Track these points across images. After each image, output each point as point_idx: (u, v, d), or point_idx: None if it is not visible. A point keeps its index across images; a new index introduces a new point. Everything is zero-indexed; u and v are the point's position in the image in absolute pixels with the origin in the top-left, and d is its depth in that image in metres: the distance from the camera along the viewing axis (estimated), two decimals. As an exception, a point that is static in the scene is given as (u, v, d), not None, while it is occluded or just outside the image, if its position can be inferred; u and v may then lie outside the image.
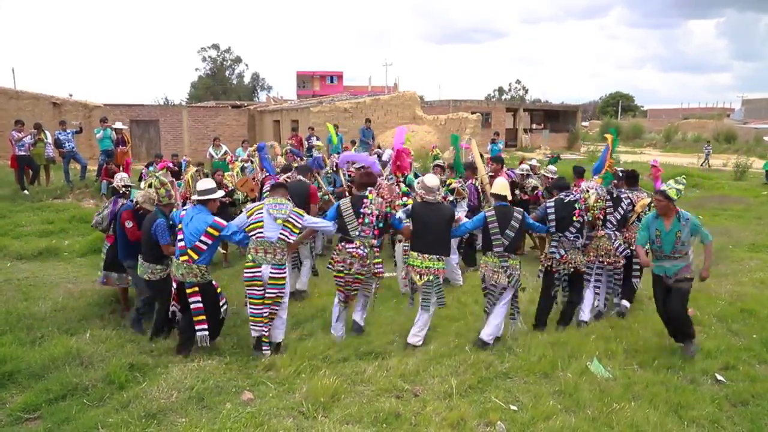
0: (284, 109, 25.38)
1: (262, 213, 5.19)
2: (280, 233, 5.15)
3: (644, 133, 44.52)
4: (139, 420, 3.99)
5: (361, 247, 5.43)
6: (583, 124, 47.85)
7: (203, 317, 5.15)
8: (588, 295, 6.21)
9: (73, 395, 4.40)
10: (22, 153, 13.18)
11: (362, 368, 4.91)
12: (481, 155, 9.04)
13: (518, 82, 78.97)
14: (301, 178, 7.28)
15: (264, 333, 5.23)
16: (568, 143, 34.04)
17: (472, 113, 23.51)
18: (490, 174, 8.38)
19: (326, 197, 8.27)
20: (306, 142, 16.31)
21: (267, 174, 8.45)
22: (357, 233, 5.46)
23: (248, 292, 5.23)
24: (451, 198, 7.47)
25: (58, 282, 7.52)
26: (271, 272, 5.14)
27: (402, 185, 7.37)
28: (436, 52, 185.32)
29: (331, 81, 51.15)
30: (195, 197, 5.34)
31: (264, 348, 5.24)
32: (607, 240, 6.19)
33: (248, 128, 26.90)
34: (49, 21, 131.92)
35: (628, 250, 6.36)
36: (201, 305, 5.15)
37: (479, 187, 8.05)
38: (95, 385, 4.53)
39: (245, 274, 5.21)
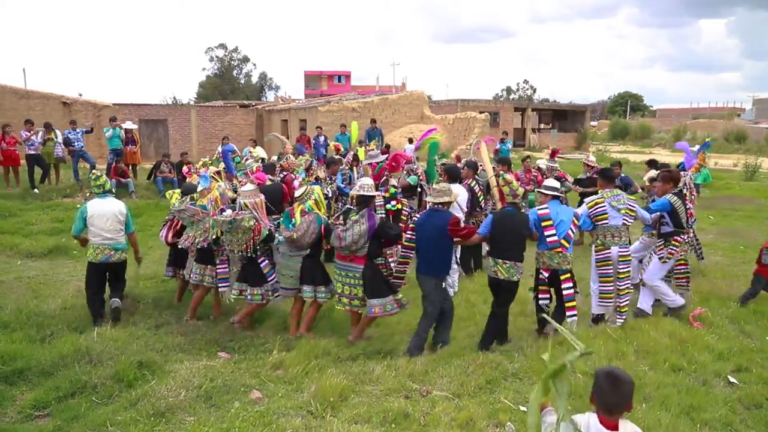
0: (292, 109, 25.43)
1: (605, 206, 5.96)
2: (623, 219, 5.98)
3: (653, 133, 44.23)
4: (147, 418, 3.98)
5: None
6: (592, 123, 47.65)
7: (574, 303, 5.69)
8: None
9: (82, 393, 4.40)
10: (32, 152, 13.29)
11: (371, 368, 4.89)
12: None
13: (526, 81, 78.78)
14: (270, 178, 7.56)
15: (610, 308, 6.08)
16: (576, 143, 33.90)
17: (480, 113, 23.44)
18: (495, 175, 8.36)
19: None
20: (314, 141, 16.32)
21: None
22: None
23: (601, 271, 6.02)
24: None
25: (68, 280, 7.56)
26: (619, 252, 5.95)
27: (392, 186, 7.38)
28: (444, 52, 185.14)
29: (339, 80, 51.12)
30: (553, 192, 5.82)
31: (618, 319, 5.94)
32: None
33: (256, 128, 26.95)
34: (59, 22, 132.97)
35: None
36: (572, 291, 5.69)
37: (476, 188, 7.96)
38: (104, 382, 4.53)
39: (597, 256, 6.02)
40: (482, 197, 7.76)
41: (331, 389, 4.33)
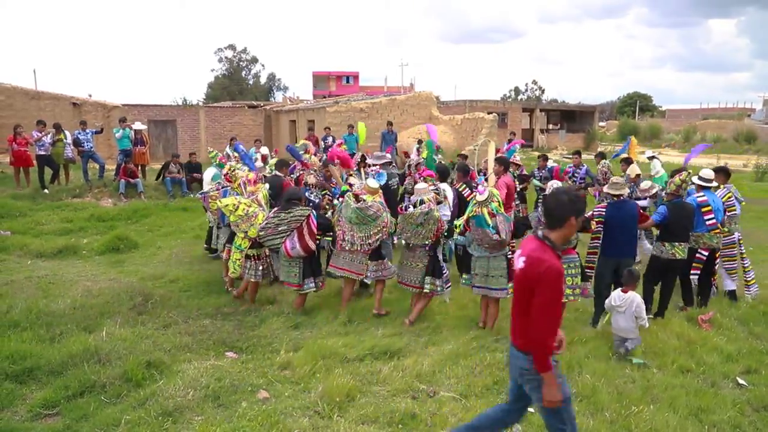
0: (300, 109, 25.46)
1: (733, 198, 7.04)
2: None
3: (662, 134, 43.93)
4: (155, 418, 4.01)
5: None
6: (601, 124, 47.38)
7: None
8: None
9: (90, 392, 4.43)
10: (42, 153, 13.40)
11: (378, 368, 4.89)
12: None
13: (534, 82, 78.48)
14: (277, 172, 8.14)
15: (737, 283, 7.08)
16: (585, 143, 33.72)
17: (489, 113, 23.37)
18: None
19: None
20: (322, 142, 16.34)
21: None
22: None
23: (726, 253, 6.96)
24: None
25: (77, 280, 7.60)
26: (738, 236, 7.05)
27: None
28: (453, 52, 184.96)
29: (347, 81, 51.17)
30: (707, 183, 6.70)
31: (748, 292, 6.98)
32: None
33: (264, 128, 27.01)
34: (69, 23, 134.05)
35: None
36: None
37: (465, 192, 7.89)
38: (113, 382, 4.55)
39: (725, 240, 6.86)
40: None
41: (338, 389, 4.34)
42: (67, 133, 14.13)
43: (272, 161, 9.35)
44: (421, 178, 7.87)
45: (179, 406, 4.17)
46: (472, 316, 6.40)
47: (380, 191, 6.57)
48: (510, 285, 5.82)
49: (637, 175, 8.67)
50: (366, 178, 7.29)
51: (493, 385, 4.66)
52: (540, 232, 3.16)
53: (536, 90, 77.37)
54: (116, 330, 5.61)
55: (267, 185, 7.40)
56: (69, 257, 9.18)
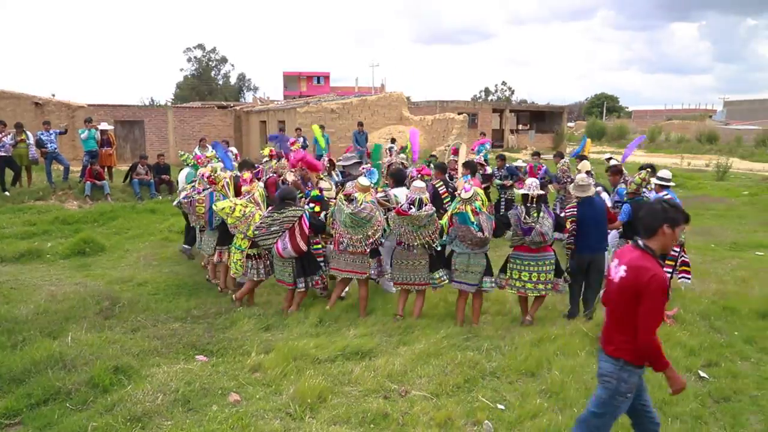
0: (271, 110, 25.25)
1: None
2: None
3: (629, 134, 44.92)
4: (123, 424, 3.94)
5: None
6: (569, 124, 48.21)
7: (689, 268, 7.17)
8: None
9: (55, 399, 4.32)
10: (2, 154, 12.97)
11: (349, 368, 4.90)
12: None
13: (504, 83, 79.62)
14: (238, 173, 7.86)
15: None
16: (553, 143, 34.25)
17: (459, 114, 23.57)
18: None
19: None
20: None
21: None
22: None
23: None
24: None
25: (41, 284, 7.42)
26: None
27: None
28: (424, 53, 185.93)
29: (318, 81, 51.01)
30: (668, 183, 6.98)
31: (687, 279, 7.14)
32: None
33: (234, 129, 26.71)
34: (31, 20, 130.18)
35: None
36: (688, 259, 7.16)
37: (441, 189, 7.95)
38: (78, 388, 4.44)
39: None
40: (447, 198, 7.67)
41: (309, 391, 4.34)
42: (29, 133, 13.72)
43: (234, 163, 9.22)
44: (418, 176, 7.88)
45: (148, 411, 4.11)
46: (443, 315, 6.46)
47: (371, 190, 6.57)
48: (487, 280, 6.09)
49: (587, 172, 9.04)
50: (332, 180, 7.29)
51: (464, 383, 4.72)
52: (641, 242, 3.25)
53: (506, 91, 78.43)
54: (82, 335, 5.48)
55: (262, 184, 7.39)
56: (32, 261, 8.95)
